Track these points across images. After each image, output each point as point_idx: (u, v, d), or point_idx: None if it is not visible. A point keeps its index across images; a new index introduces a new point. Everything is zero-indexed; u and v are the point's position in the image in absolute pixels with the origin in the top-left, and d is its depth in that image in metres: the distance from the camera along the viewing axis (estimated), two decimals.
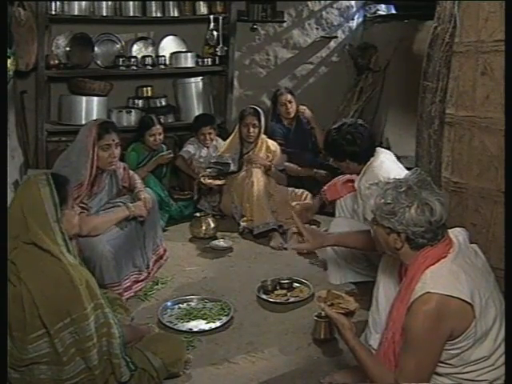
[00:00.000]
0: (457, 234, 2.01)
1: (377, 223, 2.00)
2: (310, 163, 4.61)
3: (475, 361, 1.87)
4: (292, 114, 4.72)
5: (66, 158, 3.02)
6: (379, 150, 3.05)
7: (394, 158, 3.10)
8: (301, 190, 4.26)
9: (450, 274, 1.86)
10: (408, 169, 3.03)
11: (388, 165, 2.94)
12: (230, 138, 4.38)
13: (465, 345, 1.85)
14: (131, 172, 3.43)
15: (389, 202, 1.93)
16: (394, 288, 2.19)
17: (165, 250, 3.47)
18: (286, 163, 4.50)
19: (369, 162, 2.97)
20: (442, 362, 1.90)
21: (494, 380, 1.88)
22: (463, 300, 1.81)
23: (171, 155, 4.33)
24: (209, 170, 4.24)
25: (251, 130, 4.19)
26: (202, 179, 4.15)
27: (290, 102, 4.70)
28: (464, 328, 1.83)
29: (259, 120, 4.21)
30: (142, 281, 3.15)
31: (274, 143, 4.42)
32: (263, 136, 4.31)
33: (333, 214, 3.51)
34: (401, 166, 3.12)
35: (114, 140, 3.06)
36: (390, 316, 2.02)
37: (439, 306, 1.81)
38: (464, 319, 1.83)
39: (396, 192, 1.93)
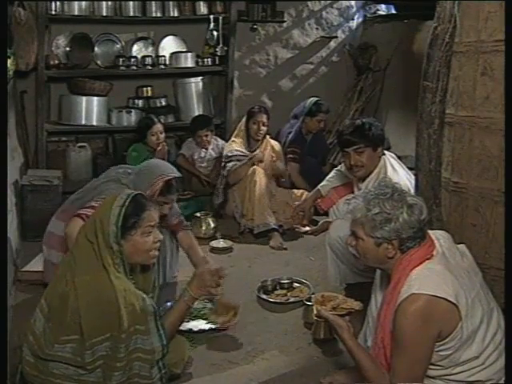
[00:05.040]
0: (438, 237, 2.02)
1: (364, 237, 1.97)
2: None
3: (464, 361, 1.88)
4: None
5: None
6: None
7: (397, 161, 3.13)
8: (300, 191, 4.28)
9: (435, 275, 1.87)
10: (410, 169, 3.05)
11: (399, 170, 2.99)
12: (237, 136, 4.32)
13: (453, 345, 1.85)
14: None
15: (377, 211, 1.92)
16: None
17: None
18: (295, 174, 4.53)
19: (380, 165, 2.99)
20: (432, 364, 1.90)
21: (486, 380, 1.89)
22: (448, 301, 1.82)
23: (164, 142, 4.34)
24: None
25: (261, 127, 4.22)
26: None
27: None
28: (451, 328, 1.84)
29: (268, 119, 4.24)
30: None
31: (278, 144, 4.43)
32: (267, 136, 4.33)
33: None
34: (404, 166, 3.13)
35: (173, 200, 2.97)
36: (378, 321, 2.02)
37: (426, 306, 1.82)
38: (451, 320, 1.84)
39: (381, 200, 1.93)
